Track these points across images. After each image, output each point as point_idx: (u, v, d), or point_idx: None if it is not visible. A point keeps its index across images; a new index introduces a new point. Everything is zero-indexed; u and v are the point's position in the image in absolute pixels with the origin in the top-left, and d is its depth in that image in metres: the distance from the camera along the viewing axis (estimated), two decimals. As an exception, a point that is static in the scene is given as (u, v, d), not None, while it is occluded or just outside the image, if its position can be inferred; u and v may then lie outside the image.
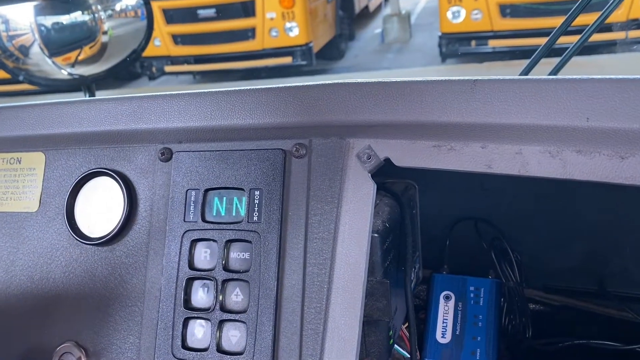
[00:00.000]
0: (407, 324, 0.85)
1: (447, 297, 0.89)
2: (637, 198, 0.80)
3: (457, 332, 0.85)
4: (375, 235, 0.66)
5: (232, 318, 0.64)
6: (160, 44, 6.52)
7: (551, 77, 0.54)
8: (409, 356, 0.76)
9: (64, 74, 1.37)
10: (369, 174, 0.63)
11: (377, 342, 0.67)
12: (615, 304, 0.88)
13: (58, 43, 1.38)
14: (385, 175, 0.82)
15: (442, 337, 0.85)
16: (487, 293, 0.88)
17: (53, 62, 1.37)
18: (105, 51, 1.44)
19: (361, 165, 0.63)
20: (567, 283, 0.95)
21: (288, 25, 6.30)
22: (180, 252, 0.67)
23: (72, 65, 1.39)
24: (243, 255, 0.66)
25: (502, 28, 5.37)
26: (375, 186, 0.63)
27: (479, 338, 0.84)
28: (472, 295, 0.88)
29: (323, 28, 6.96)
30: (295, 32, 6.31)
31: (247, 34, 6.44)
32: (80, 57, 1.40)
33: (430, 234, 0.94)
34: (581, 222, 0.88)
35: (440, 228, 0.96)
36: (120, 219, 0.71)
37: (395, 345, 0.75)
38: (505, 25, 5.37)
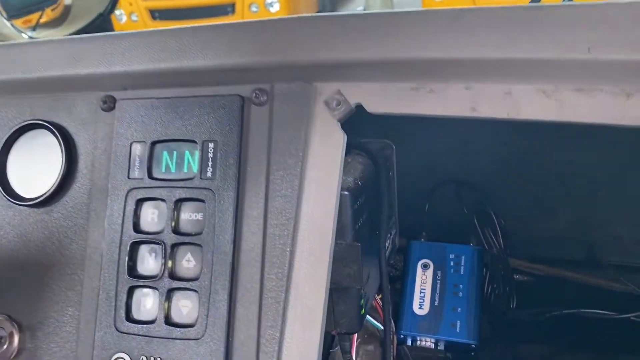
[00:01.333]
0: (381, 295, 0.78)
1: (425, 266, 0.83)
2: (632, 156, 0.74)
3: (436, 303, 0.79)
4: (346, 193, 0.58)
5: (182, 286, 0.57)
6: (138, 19, 6.32)
7: (546, 3, 0.46)
8: (382, 328, 0.70)
9: (24, 37, 1.27)
10: (339, 123, 0.55)
11: (347, 311, 0.60)
12: (604, 273, 0.83)
13: (17, 5, 1.29)
14: (359, 135, 0.75)
15: (420, 308, 0.79)
16: (468, 261, 0.82)
17: (12, 25, 1.28)
18: (69, 14, 1.34)
19: (329, 112, 0.55)
20: (553, 252, 0.89)
21: (269, 0, 6.14)
22: (124, 213, 0.59)
23: (33, 29, 1.30)
24: (195, 216, 0.58)
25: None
26: (346, 137, 0.55)
27: (459, 309, 0.78)
28: (452, 263, 0.82)
29: (305, 4, 6.80)
30: (276, 8, 6.14)
31: (227, 9, 6.25)
32: (42, 20, 1.31)
33: (408, 200, 0.87)
34: (571, 185, 0.82)
35: (418, 193, 0.90)
36: (58, 177, 0.63)
37: (368, 317, 0.69)
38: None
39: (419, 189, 0.89)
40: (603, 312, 0.71)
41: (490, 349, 0.72)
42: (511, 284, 0.79)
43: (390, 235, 0.81)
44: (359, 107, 0.54)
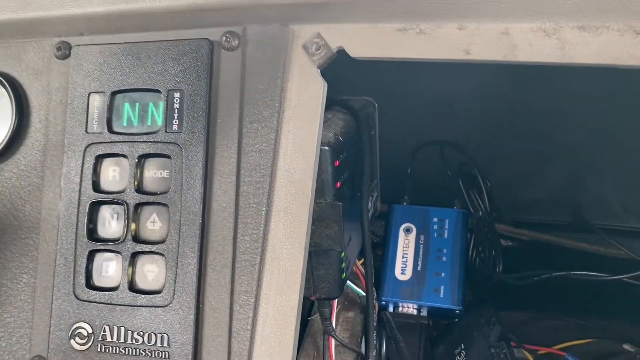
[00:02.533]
0: (362, 260, 0.75)
1: (407, 230, 0.79)
2: (626, 111, 0.71)
3: (419, 268, 0.75)
4: (326, 148, 0.54)
5: (147, 250, 0.52)
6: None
7: None
8: (363, 294, 0.66)
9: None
10: (318, 70, 0.50)
11: (327, 276, 0.56)
12: (592, 237, 0.81)
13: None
14: (339, 92, 0.70)
15: (402, 273, 0.75)
16: (452, 224, 0.78)
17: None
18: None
19: (309, 58, 0.50)
20: (538, 216, 0.87)
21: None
22: (82, 171, 0.54)
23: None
24: (160, 173, 0.53)
25: None
26: (326, 85, 0.50)
27: (442, 274, 0.74)
28: (435, 227, 0.79)
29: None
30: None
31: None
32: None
33: (390, 163, 0.83)
34: (558, 144, 0.79)
35: (401, 156, 0.86)
36: (8, 133, 0.57)
37: (349, 282, 0.65)
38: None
39: (401, 151, 0.85)
40: (595, 274, 0.69)
41: (475, 314, 0.69)
42: (497, 247, 0.76)
43: (372, 198, 0.77)
44: (341, 52, 0.49)
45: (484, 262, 0.76)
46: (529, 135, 0.79)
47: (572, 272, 0.70)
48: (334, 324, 0.65)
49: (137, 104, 0.53)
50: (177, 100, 0.52)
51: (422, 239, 0.78)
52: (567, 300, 0.77)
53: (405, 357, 0.61)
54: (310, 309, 0.72)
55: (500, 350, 0.60)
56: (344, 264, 0.57)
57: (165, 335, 0.51)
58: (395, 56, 0.47)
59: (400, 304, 0.74)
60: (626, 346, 0.75)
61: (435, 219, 0.79)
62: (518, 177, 0.84)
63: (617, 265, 0.78)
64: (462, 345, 0.66)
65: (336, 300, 0.66)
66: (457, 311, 0.72)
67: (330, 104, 0.68)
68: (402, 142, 0.85)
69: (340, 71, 0.53)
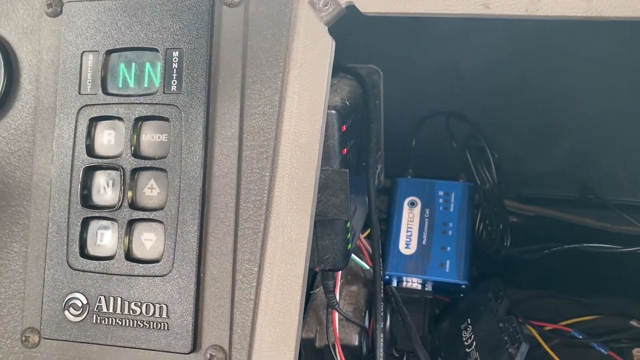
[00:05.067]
0: (367, 233, 0.73)
1: (412, 204, 0.77)
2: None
3: (424, 242, 0.73)
4: (333, 111, 0.51)
5: (145, 217, 0.49)
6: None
7: None
8: (367, 267, 0.64)
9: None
10: (326, 27, 0.47)
11: (332, 246, 0.54)
12: (597, 212, 0.79)
13: None
14: (342, 59, 0.68)
15: (406, 247, 0.73)
16: (458, 198, 0.76)
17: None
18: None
19: (315, 15, 0.47)
20: (545, 191, 0.85)
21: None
22: (75, 134, 0.51)
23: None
24: (159, 137, 0.50)
25: None
26: (334, 43, 0.48)
27: (448, 248, 0.72)
28: (441, 200, 0.76)
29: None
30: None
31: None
32: None
33: (394, 135, 0.81)
34: (569, 113, 0.76)
35: (405, 127, 0.83)
36: (-3, 95, 0.54)
37: (353, 256, 0.63)
38: None
39: (406, 123, 0.82)
40: (609, 246, 0.67)
41: (483, 288, 0.67)
42: (505, 221, 0.74)
43: (377, 170, 0.74)
44: (351, 8, 0.47)
45: (491, 235, 0.74)
46: (538, 107, 0.77)
47: (584, 245, 0.68)
48: (337, 297, 0.63)
49: (134, 64, 0.50)
50: (175, 59, 0.49)
51: (427, 212, 0.76)
52: (574, 276, 0.75)
53: (412, 331, 0.59)
54: (313, 282, 0.70)
55: (510, 324, 0.58)
56: (349, 235, 0.55)
57: (164, 305, 0.48)
58: (408, 11, 0.44)
59: (404, 279, 0.72)
60: (634, 322, 0.73)
61: (440, 192, 0.77)
62: (525, 150, 0.81)
63: (625, 241, 0.76)
64: (469, 319, 0.65)
65: (340, 273, 0.64)
66: (463, 286, 0.70)
67: (335, 71, 0.65)
68: (406, 113, 0.82)
69: (345, 37, 0.50)
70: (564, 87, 0.77)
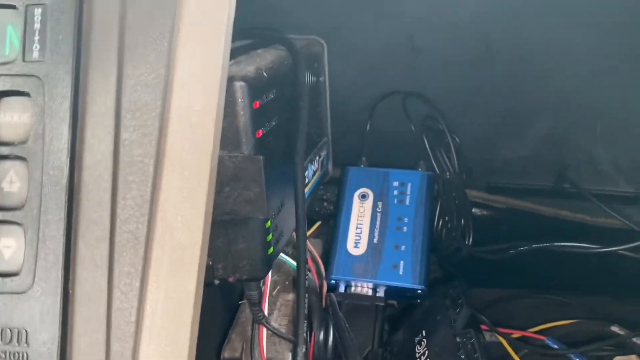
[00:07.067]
0: (315, 228, 0.63)
1: (363, 196, 0.67)
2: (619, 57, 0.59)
3: (375, 240, 0.64)
4: (242, 83, 0.41)
5: (2, 218, 0.39)
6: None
7: None
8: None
9: None
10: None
11: (249, 251, 0.44)
12: (574, 204, 0.70)
13: None
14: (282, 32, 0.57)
15: (355, 247, 0.64)
16: (415, 189, 0.66)
17: None
18: None
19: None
20: (516, 180, 0.75)
21: None
22: None
23: None
24: (19, 117, 0.40)
25: None
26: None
27: (403, 247, 0.63)
28: (395, 192, 0.67)
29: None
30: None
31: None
32: None
33: (345, 119, 0.71)
34: (542, 95, 0.66)
35: (357, 111, 0.73)
36: None
37: (283, 255, 0.53)
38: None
39: (358, 104, 0.73)
40: (584, 245, 0.58)
41: (440, 294, 0.58)
42: (467, 215, 0.65)
43: (319, 157, 0.64)
44: None
45: (452, 233, 0.65)
46: (508, 84, 0.67)
47: (555, 244, 0.58)
48: (267, 310, 0.53)
49: (-12, 25, 0.40)
50: (37, 18, 0.39)
51: (379, 206, 0.66)
52: (547, 277, 0.66)
53: (350, 350, 0.49)
54: (242, 292, 0.60)
55: (468, 339, 0.49)
56: (270, 236, 0.45)
57: (23, 330, 0.38)
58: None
59: (353, 283, 0.62)
60: (614, 328, 0.64)
61: (395, 183, 0.67)
62: (493, 133, 0.72)
63: (604, 236, 0.67)
64: (424, 331, 0.55)
65: (269, 280, 0.54)
66: (420, 291, 0.61)
67: (270, 42, 0.55)
68: (358, 95, 0.72)
69: (287, 6, 0.40)
70: (536, 63, 0.67)
